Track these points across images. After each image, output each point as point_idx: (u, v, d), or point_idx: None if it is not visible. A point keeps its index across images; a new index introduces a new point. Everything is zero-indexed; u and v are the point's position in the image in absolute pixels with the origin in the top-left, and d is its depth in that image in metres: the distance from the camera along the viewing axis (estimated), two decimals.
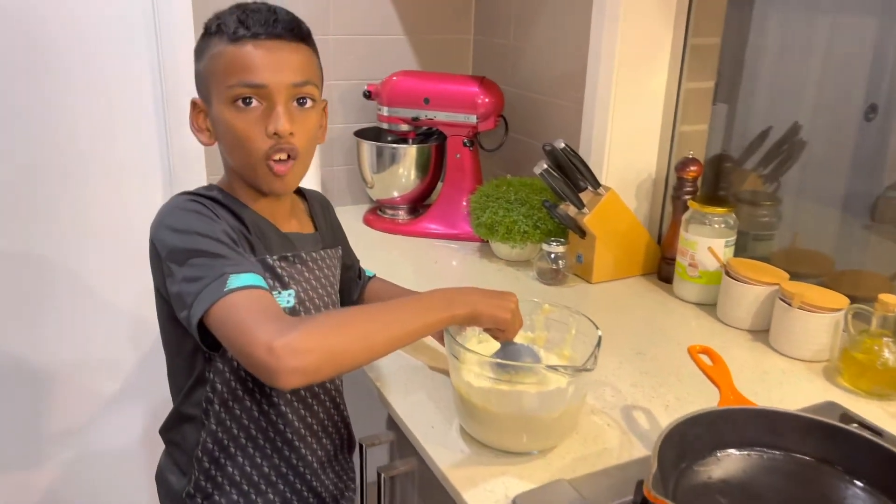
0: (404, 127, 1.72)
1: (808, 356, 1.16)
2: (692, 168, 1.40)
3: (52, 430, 1.51)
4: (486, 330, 0.93)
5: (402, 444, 1.03)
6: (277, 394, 0.93)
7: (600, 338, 0.91)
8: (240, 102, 0.85)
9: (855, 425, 0.92)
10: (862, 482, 0.79)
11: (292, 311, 0.92)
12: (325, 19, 1.78)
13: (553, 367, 0.86)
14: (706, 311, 1.34)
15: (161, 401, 0.98)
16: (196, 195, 0.89)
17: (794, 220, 1.43)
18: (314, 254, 0.98)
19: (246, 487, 0.94)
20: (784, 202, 1.44)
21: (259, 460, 0.94)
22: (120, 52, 1.38)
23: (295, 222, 0.99)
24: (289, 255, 0.94)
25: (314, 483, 0.99)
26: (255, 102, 0.86)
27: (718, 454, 0.83)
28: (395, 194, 1.76)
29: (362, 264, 1.20)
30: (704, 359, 1.00)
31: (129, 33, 1.38)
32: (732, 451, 0.84)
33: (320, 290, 0.98)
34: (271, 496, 0.96)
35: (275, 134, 0.86)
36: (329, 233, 1.06)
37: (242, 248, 0.87)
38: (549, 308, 1.01)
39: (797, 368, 1.15)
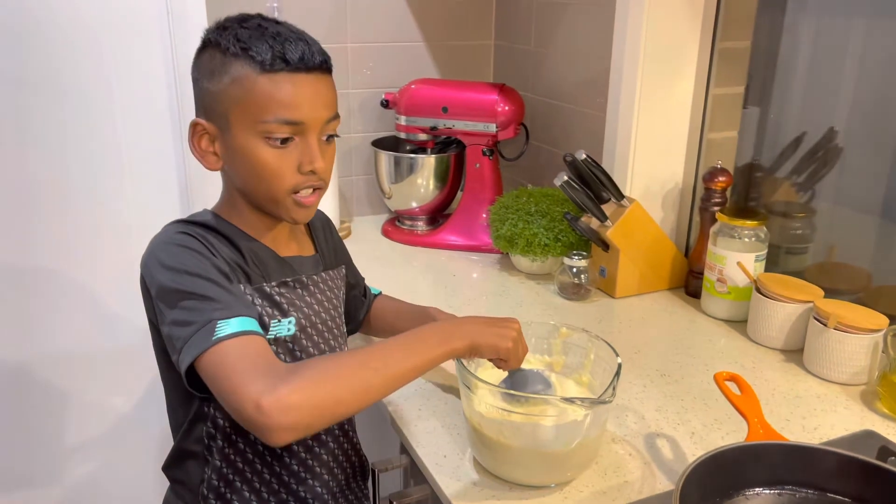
0: (422, 136, 1.68)
1: (844, 379, 1.10)
2: (721, 178, 1.34)
3: (60, 449, 1.50)
4: (490, 360, 0.88)
5: (416, 469, 0.99)
6: None
7: (620, 366, 0.86)
8: (277, 141, 0.82)
9: (893, 458, 0.87)
10: None
11: (294, 339, 0.89)
12: (343, 26, 1.75)
13: (569, 400, 0.81)
14: (736, 328, 1.28)
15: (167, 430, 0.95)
16: (190, 225, 0.85)
17: (829, 233, 1.36)
18: (315, 276, 0.95)
19: None
20: (818, 213, 1.37)
21: (266, 495, 0.91)
22: (134, 58, 1.36)
23: (294, 245, 0.96)
24: (288, 280, 0.91)
25: None
26: (290, 139, 0.83)
27: (747, 493, 0.78)
28: (414, 205, 1.73)
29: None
30: (732, 387, 0.94)
31: (143, 39, 1.36)
32: (762, 489, 0.79)
33: (323, 315, 0.94)
34: None
35: (310, 171, 0.84)
36: (331, 253, 1.02)
37: (238, 279, 0.84)
38: (567, 331, 0.97)
39: (833, 392, 1.09)
